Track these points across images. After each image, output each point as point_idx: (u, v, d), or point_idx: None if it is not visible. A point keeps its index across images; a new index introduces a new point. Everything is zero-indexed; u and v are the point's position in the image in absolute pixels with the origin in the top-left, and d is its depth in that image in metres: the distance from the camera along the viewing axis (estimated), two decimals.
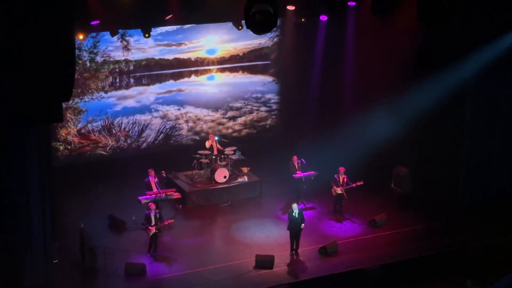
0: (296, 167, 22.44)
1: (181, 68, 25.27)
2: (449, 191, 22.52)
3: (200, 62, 25.45)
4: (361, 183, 21.69)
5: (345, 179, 21.72)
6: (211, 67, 25.69)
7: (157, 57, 24.79)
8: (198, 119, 25.97)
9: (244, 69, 26.34)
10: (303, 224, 19.65)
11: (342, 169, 21.79)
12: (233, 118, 26.58)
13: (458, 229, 21.13)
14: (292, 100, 27.00)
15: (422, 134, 23.02)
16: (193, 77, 25.54)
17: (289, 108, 27.13)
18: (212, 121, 26.21)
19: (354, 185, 21.66)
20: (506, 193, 21.99)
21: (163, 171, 21.93)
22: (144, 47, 24.46)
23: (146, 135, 25.35)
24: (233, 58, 25.94)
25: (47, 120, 16.38)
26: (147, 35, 21.92)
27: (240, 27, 23.06)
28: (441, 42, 21.22)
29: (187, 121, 25.83)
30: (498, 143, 22.14)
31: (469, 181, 22.24)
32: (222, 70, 25.94)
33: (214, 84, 25.97)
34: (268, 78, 26.86)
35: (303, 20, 24.61)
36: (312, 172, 22.47)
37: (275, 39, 26.44)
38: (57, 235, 19.68)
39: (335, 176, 21.79)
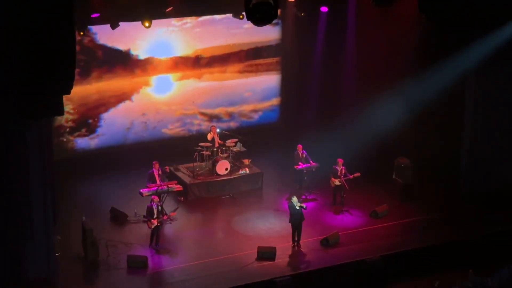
0: (300, 156, 22.43)
1: (181, 65, 25.27)
2: (451, 181, 22.58)
3: (199, 58, 25.41)
4: (358, 174, 21.67)
5: (343, 171, 21.72)
6: (211, 63, 25.68)
7: (157, 56, 24.77)
8: (200, 118, 25.97)
9: (245, 64, 26.31)
10: (302, 204, 19.64)
11: (340, 161, 21.79)
12: (234, 111, 26.58)
13: (460, 219, 21.13)
14: (293, 92, 27.01)
15: (424, 125, 23.05)
16: (192, 72, 25.51)
17: (290, 100, 27.13)
18: (213, 115, 26.21)
19: (351, 176, 21.65)
20: (507, 183, 21.98)
21: (167, 167, 21.95)
22: (146, 45, 24.45)
23: (148, 129, 25.34)
24: (233, 52, 25.96)
25: (48, 113, 16.40)
26: (147, 23, 21.95)
27: (241, 17, 23.26)
28: (442, 32, 21.18)
29: (187, 121, 25.84)
30: (500, 134, 22.11)
31: (471, 172, 22.23)
32: (223, 64, 25.92)
33: (217, 81, 25.96)
34: (268, 71, 26.83)
35: (302, 14, 24.62)
36: (313, 163, 22.47)
37: (275, 32, 26.40)
38: (59, 228, 19.74)
39: (334, 167, 21.80)
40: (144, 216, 19.75)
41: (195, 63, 25.37)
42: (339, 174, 21.69)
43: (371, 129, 23.19)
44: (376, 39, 23.72)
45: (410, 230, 20.62)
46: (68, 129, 24.10)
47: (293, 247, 19.72)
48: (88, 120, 24.35)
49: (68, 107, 23.44)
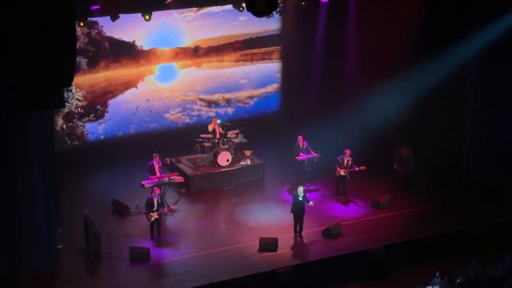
0: (301, 147, 22.42)
1: (182, 55, 25.31)
2: (452, 171, 22.56)
3: (200, 48, 25.45)
4: (364, 168, 21.67)
5: (350, 162, 21.69)
6: (212, 54, 25.70)
7: (160, 47, 24.85)
8: (199, 104, 25.98)
9: (246, 54, 26.31)
10: (311, 202, 19.67)
11: (348, 152, 21.74)
12: (234, 102, 26.61)
13: (461, 209, 21.13)
14: (294, 82, 26.98)
15: (425, 114, 23.02)
16: (193, 63, 25.53)
17: (291, 90, 27.11)
18: (213, 105, 26.25)
19: (357, 168, 21.64)
20: (508, 172, 21.98)
21: (167, 159, 21.95)
22: (150, 36, 24.54)
23: (152, 114, 25.41)
24: (234, 44, 25.96)
25: (49, 106, 16.38)
26: (147, 16, 21.95)
27: (241, 9, 23.19)
28: (442, 22, 21.17)
29: (188, 106, 25.87)
30: (501, 122, 22.10)
31: (472, 161, 22.22)
32: (223, 55, 25.94)
33: (215, 70, 25.98)
34: (269, 61, 26.82)
35: (303, 3, 24.57)
36: (315, 154, 22.47)
37: (275, 22, 26.37)
38: (61, 220, 19.76)
39: (339, 158, 21.78)
40: (144, 208, 19.76)
41: (194, 53, 25.42)
42: (344, 165, 21.65)
43: (372, 119, 23.19)
44: (377, 29, 23.67)
45: (412, 220, 20.64)
46: (77, 115, 24.42)
47: (295, 238, 19.75)
48: (96, 106, 24.66)
49: (78, 94, 24.15)
